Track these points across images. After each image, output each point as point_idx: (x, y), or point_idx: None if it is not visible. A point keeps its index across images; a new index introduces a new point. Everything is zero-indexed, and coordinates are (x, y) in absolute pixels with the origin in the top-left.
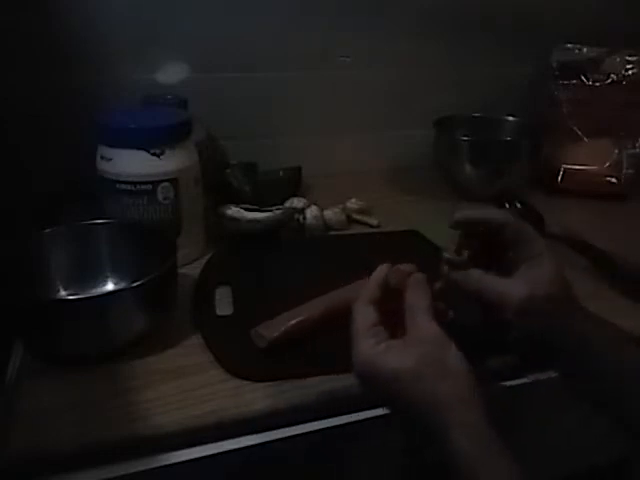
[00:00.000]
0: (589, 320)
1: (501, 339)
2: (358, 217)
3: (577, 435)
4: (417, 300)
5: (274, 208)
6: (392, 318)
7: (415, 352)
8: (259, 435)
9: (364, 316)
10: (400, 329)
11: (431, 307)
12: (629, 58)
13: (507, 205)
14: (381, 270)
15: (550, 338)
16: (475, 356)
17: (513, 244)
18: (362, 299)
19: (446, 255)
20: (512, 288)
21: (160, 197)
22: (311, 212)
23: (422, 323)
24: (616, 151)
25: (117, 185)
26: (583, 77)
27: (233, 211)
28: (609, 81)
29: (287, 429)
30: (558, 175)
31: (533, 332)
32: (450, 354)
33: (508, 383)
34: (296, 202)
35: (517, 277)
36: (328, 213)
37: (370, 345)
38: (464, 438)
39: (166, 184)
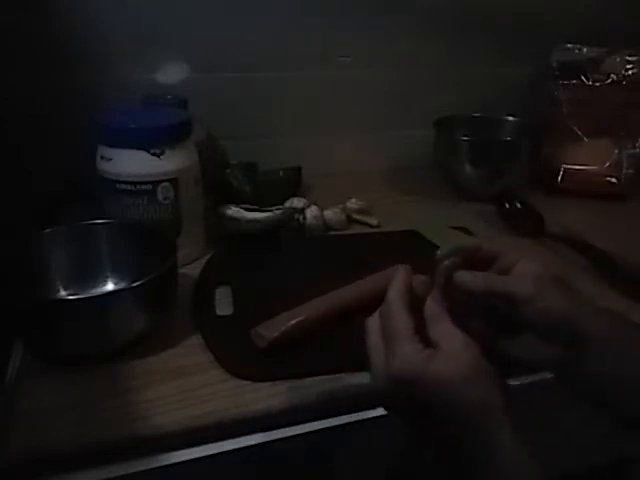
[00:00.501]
0: (593, 312)
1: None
2: (358, 217)
3: (577, 435)
4: (441, 309)
5: (274, 208)
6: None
7: (462, 358)
8: (259, 435)
9: (405, 320)
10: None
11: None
12: (629, 58)
13: (507, 205)
14: (403, 273)
15: (560, 337)
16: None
17: (492, 261)
18: (399, 302)
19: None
20: (518, 279)
21: (160, 197)
22: (311, 212)
23: (451, 332)
24: (616, 151)
25: (117, 185)
26: (583, 77)
27: (233, 211)
28: (609, 81)
29: (287, 429)
30: (558, 175)
31: (545, 320)
32: (484, 360)
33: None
34: (296, 202)
35: (515, 273)
36: (328, 213)
37: (418, 349)
38: (511, 438)
39: (166, 184)
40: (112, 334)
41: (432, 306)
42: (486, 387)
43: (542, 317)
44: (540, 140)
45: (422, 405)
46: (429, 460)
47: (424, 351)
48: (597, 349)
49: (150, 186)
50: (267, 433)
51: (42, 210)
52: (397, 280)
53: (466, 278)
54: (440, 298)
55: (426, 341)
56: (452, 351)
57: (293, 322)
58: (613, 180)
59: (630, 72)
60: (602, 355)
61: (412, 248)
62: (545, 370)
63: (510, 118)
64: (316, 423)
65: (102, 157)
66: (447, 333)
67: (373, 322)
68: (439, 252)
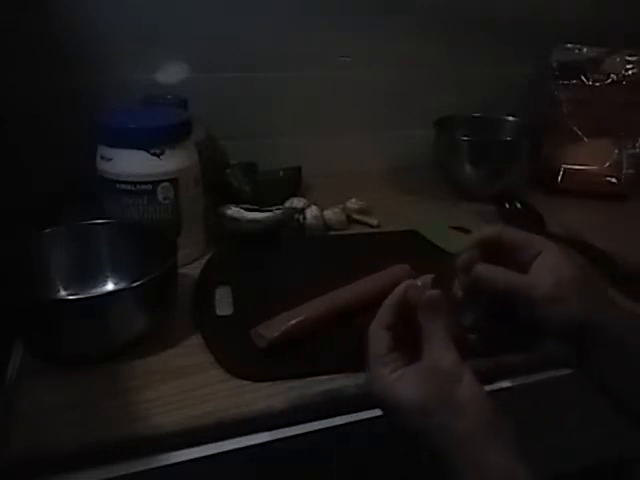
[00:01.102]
0: (609, 313)
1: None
2: (358, 217)
3: (577, 435)
4: (432, 323)
5: (274, 208)
6: (411, 336)
7: (426, 385)
8: (259, 435)
9: (378, 341)
10: (420, 347)
11: (446, 328)
12: (629, 58)
13: (507, 205)
14: (399, 290)
15: (574, 337)
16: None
17: (513, 251)
18: (377, 322)
19: (462, 256)
20: (538, 278)
21: (160, 197)
22: (311, 212)
23: (437, 350)
24: (616, 151)
25: (117, 185)
26: (583, 77)
27: (233, 211)
28: (609, 81)
29: (287, 429)
30: (558, 175)
31: (564, 322)
32: (463, 387)
33: (509, 384)
34: (296, 202)
35: (536, 271)
36: (328, 213)
37: (383, 373)
38: (471, 475)
39: (166, 184)
40: (112, 334)
41: (424, 319)
42: (450, 421)
43: (557, 317)
44: (540, 140)
45: (399, 427)
46: (426, 462)
47: (391, 374)
48: (611, 349)
49: (150, 186)
50: (267, 433)
51: (42, 210)
52: (391, 295)
53: (484, 272)
54: (439, 304)
55: (415, 353)
56: (420, 374)
57: (293, 322)
58: (613, 180)
59: (630, 72)
60: (615, 355)
61: (412, 248)
62: (558, 367)
63: (510, 118)
64: (316, 423)
65: (102, 157)
66: (428, 352)
67: None
68: (458, 247)
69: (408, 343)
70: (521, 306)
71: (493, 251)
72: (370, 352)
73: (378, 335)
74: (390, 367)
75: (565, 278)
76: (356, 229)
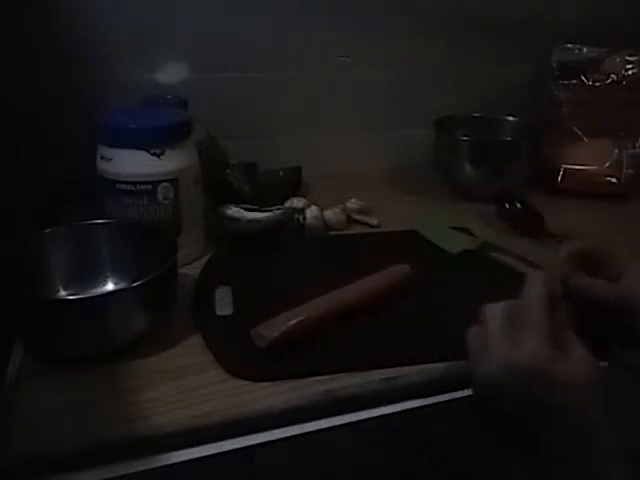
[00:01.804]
0: None
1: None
2: (358, 217)
3: None
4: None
5: (274, 208)
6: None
7: (584, 369)
8: (259, 435)
9: (544, 317)
10: None
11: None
12: (629, 58)
13: (507, 205)
14: (543, 276)
15: None
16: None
17: (601, 263)
18: (542, 300)
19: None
20: (636, 287)
21: (160, 197)
22: (311, 212)
23: (577, 341)
24: (616, 151)
25: (117, 185)
26: (583, 77)
27: (233, 211)
28: (609, 81)
29: (287, 429)
30: (558, 175)
31: None
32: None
33: None
34: (296, 202)
35: (629, 281)
36: (328, 213)
37: (546, 344)
38: (612, 451)
39: (166, 184)
40: (112, 334)
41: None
42: (598, 397)
43: None
44: (540, 140)
45: (530, 398)
46: (426, 462)
47: (553, 350)
48: None
49: (150, 186)
50: (267, 433)
51: (42, 210)
52: (538, 281)
53: (584, 281)
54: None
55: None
56: (578, 358)
57: (293, 322)
58: (613, 180)
59: (630, 72)
60: None
61: (412, 248)
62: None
63: (510, 118)
64: (316, 423)
65: (102, 157)
66: (574, 341)
67: (495, 309)
68: (459, 248)
69: None
70: (616, 315)
71: (582, 264)
72: (535, 323)
73: (544, 311)
74: (551, 340)
75: None
76: (356, 229)
